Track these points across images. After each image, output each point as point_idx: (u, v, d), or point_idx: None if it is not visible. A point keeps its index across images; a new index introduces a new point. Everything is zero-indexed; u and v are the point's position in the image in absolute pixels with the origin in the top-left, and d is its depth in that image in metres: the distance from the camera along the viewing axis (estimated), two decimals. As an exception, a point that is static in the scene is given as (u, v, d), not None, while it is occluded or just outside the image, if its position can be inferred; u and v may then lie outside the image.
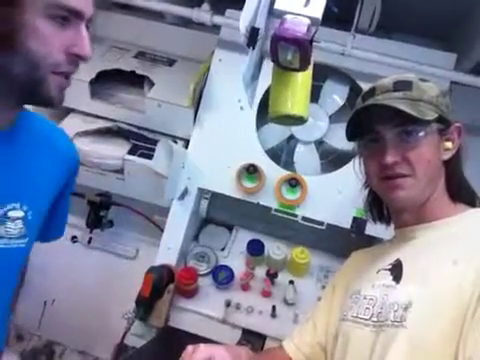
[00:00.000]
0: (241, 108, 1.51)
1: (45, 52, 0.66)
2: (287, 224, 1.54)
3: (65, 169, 0.91)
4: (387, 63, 1.40)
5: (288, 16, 0.72)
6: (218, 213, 1.61)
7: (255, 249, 1.53)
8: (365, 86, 1.47)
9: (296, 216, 1.48)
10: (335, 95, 1.54)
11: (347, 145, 1.51)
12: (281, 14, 0.73)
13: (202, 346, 0.69)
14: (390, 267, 0.77)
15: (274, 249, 1.52)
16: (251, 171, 1.44)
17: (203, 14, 1.44)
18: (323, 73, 1.53)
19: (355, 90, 1.51)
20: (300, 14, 0.72)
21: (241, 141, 1.49)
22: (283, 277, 1.51)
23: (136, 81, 1.63)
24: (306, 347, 0.92)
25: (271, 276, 1.48)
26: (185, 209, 1.51)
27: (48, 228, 0.93)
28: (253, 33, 0.74)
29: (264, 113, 1.53)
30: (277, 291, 1.49)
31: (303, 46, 0.72)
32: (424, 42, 1.52)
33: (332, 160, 1.54)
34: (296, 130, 1.51)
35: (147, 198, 1.56)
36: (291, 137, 1.54)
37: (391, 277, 0.75)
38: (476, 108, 1.55)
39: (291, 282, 1.48)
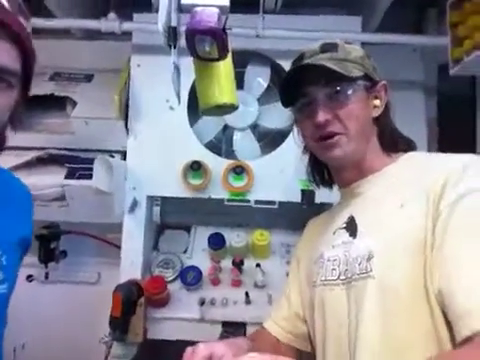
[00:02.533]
0: (171, 108, 1.51)
1: None
2: (242, 211, 1.57)
3: (28, 210, 0.92)
4: (299, 37, 1.45)
5: (197, 9, 0.73)
6: (172, 217, 1.61)
7: (216, 243, 1.54)
8: (284, 63, 1.54)
9: (248, 201, 1.50)
10: (259, 78, 1.58)
11: (280, 123, 1.56)
12: (190, 8, 0.74)
13: (201, 345, 0.68)
14: (345, 225, 0.80)
15: (234, 238, 1.54)
16: (195, 168, 1.44)
17: (111, 23, 1.41)
18: (243, 59, 1.55)
19: (276, 69, 1.55)
20: (208, 5, 0.73)
21: (178, 140, 1.49)
22: (249, 263, 1.54)
23: (57, 104, 1.57)
24: (284, 321, 0.95)
25: (237, 264, 1.50)
26: (138, 220, 1.49)
27: None
28: (171, 32, 0.74)
29: (194, 109, 1.55)
30: (246, 278, 1.52)
31: (218, 35, 0.73)
32: (329, 11, 1.59)
33: (269, 141, 1.57)
34: (230, 119, 1.53)
35: (96, 219, 1.51)
36: (226, 127, 1.56)
37: (347, 234, 0.79)
38: (389, 64, 1.65)
39: (258, 265, 1.51)
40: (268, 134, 1.58)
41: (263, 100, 1.56)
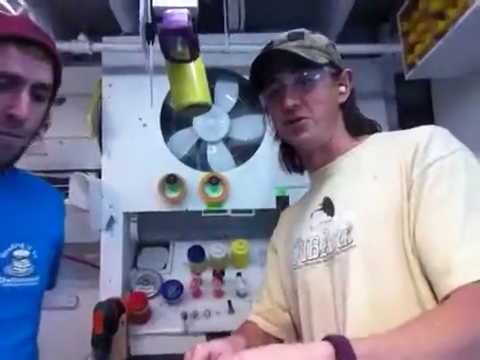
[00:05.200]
0: (144, 125, 1.54)
1: None
2: (219, 223, 1.59)
3: (58, 212, 1.02)
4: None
5: (168, 11, 0.78)
6: (150, 233, 1.62)
7: (196, 255, 1.55)
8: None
9: (225, 211, 1.53)
10: (227, 94, 1.64)
11: (251, 135, 1.62)
12: (162, 11, 0.79)
13: (199, 346, 0.68)
14: (321, 206, 0.83)
15: (214, 249, 1.55)
16: (171, 181, 1.46)
17: (81, 45, 1.45)
18: (211, 77, 1.61)
19: (243, 84, 1.62)
20: (178, 6, 0.78)
21: (153, 156, 1.52)
22: (229, 273, 1.55)
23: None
24: (267, 313, 0.96)
25: (218, 274, 1.50)
26: (116, 238, 1.48)
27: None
28: (148, 28, 0.78)
29: (167, 126, 1.59)
30: (228, 287, 1.53)
31: (188, 34, 0.78)
32: (289, 29, 1.68)
33: (242, 152, 1.62)
34: (202, 133, 1.57)
35: (72, 238, 1.49)
36: (200, 141, 1.60)
37: (325, 214, 0.81)
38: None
39: (239, 274, 1.53)
40: (240, 146, 1.62)
41: (233, 114, 1.61)
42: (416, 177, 0.70)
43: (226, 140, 1.61)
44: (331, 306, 0.75)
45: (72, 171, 1.52)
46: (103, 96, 1.56)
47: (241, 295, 1.51)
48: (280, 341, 0.95)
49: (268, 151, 1.56)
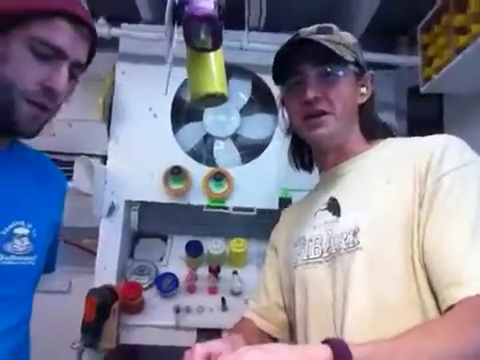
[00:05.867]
0: (154, 115, 1.53)
1: (16, 78, 0.71)
2: (220, 219, 1.58)
3: (61, 195, 0.99)
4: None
5: (195, -2, 0.77)
6: (150, 224, 1.60)
7: (194, 250, 1.53)
8: (265, 78, 1.61)
9: (227, 208, 1.52)
10: (240, 91, 1.63)
11: (260, 134, 1.61)
12: (187, -2, 0.78)
13: (198, 345, 0.67)
14: (326, 206, 0.82)
15: (212, 245, 1.54)
16: (176, 173, 1.45)
17: (100, 28, 1.44)
18: (226, 73, 1.60)
19: (257, 83, 1.61)
20: (205, -6, 0.77)
21: (160, 147, 1.51)
22: (226, 271, 1.54)
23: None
24: (264, 311, 0.95)
25: (214, 271, 1.49)
26: (115, 225, 1.47)
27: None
28: (175, 11, 0.77)
29: (177, 118, 1.58)
30: (223, 285, 1.52)
31: (213, 22, 0.77)
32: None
33: (249, 151, 1.61)
34: (211, 128, 1.56)
35: (71, 222, 1.48)
36: (207, 136, 1.59)
37: (330, 213, 0.80)
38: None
39: (235, 272, 1.52)
40: (248, 144, 1.61)
41: (245, 111, 1.60)
42: (430, 186, 0.69)
43: (234, 137, 1.60)
44: (329, 307, 0.74)
45: (78, 154, 1.50)
46: (116, 82, 1.55)
47: (236, 293, 1.50)
48: (275, 340, 0.94)
49: (276, 151, 1.55)
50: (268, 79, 1.60)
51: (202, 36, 0.80)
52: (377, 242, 0.71)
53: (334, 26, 0.85)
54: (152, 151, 1.50)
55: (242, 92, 1.63)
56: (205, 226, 1.62)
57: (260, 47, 1.50)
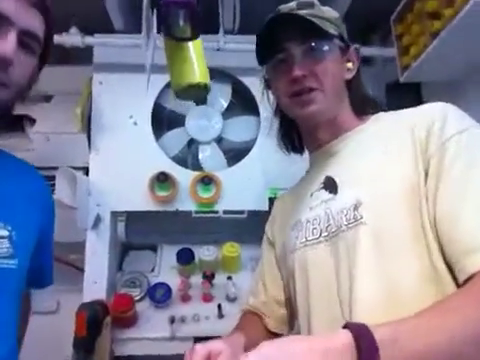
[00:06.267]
0: (134, 123, 1.51)
1: None
2: (210, 225, 1.55)
3: (45, 200, 0.96)
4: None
5: (171, -16, 0.76)
6: (138, 235, 1.56)
7: (186, 258, 1.49)
8: (246, 80, 1.60)
9: (217, 212, 1.49)
10: (221, 95, 1.62)
11: (244, 137, 1.60)
12: (164, -15, 0.77)
13: (198, 346, 0.67)
14: (322, 186, 0.79)
15: (204, 251, 1.50)
16: (162, 179, 1.42)
17: (73, 38, 1.42)
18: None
19: (237, 86, 1.61)
20: (181, -20, 0.76)
21: (144, 155, 1.47)
22: (220, 277, 1.50)
23: (14, 123, 1.53)
24: (262, 306, 0.92)
25: (208, 277, 1.45)
26: (102, 237, 1.42)
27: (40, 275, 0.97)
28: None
29: (159, 125, 1.55)
30: (217, 291, 1.48)
31: (191, 8, 0.76)
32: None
33: (234, 154, 1.59)
34: (194, 133, 1.54)
35: (56, 237, 1.42)
36: (191, 141, 1.57)
37: (327, 192, 0.76)
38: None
39: (229, 278, 1.48)
40: (233, 147, 1.60)
41: (227, 115, 1.59)
42: (434, 152, 0.66)
43: (219, 141, 1.59)
44: (333, 289, 0.70)
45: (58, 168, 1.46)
46: (93, 93, 1.53)
47: (231, 299, 1.46)
48: (277, 336, 0.91)
49: (262, 152, 1.54)
50: (248, 81, 1.60)
51: (181, 23, 0.78)
52: (381, 214, 0.67)
53: (315, 1, 0.83)
54: (135, 159, 1.47)
55: (223, 95, 1.62)
56: (195, 233, 1.58)
57: (237, 47, 1.49)
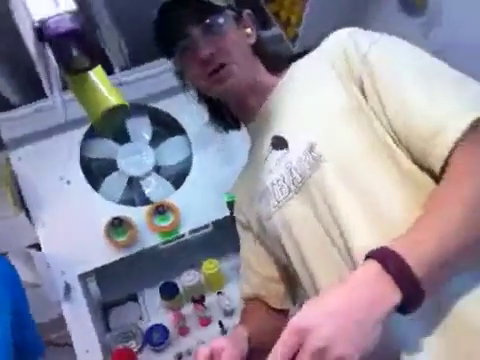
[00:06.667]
0: (68, 182, 1.47)
1: None
2: (180, 251, 1.52)
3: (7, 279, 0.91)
4: (157, 75, 1.55)
5: (51, 20, 0.76)
6: (113, 289, 1.50)
7: (170, 291, 1.46)
8: (159, 105, 1.61)
9: (183, 235, 1.47)
10: (141, 128, 1.62)
11: (179, 157, 1.60)
12: (43, 23, 0.77)
13: (200, 348, 0.66)
14: (271, 147, 0.78)
15: (185, 278, 1.47)
16: (117, 224, 1.39)
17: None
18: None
19: (154, 113, 1.62)
20: (58, 14, 0.76)
21: (89, 208, 1.44)
22: (210, 297, 1.49)
23: None
24: (257, 288, 0.89)
25: (199, 301, 1.42)
26: (78, 304, 1.36)
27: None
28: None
29: (93, 179, 1.52)
30: (213, 311, 1.46)
31: (79, 36, 0.76)
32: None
33: (177, 175, 1.59)
34: (131, 170, 1.53)
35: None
36: (131, 179, 1.54)
37: (279, 150, 0.76)
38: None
39: (219, 293, 1.46)
40: (173, 170, 1.60)
41: (155, 143, 1.60)
42: (360, 69, 0.68)
43: (157, 169, 1.58)
44: (323, 236, 0.68)
45: (5, 254, 1.38)
46: (16, 171, 1.47)
47: (229, 313, 1.44)
48: (284, 312, 0.90)
49: (202, 164, 1.56)
50: (162, 105, 1.61)
51: (75, 54, 0.78)
52: (336, 146, 0.67)
53: None
54: (83, 216, 1.42)
55: (143, 127, 1.62)
56: (169, 265, 1.55)
57: (138, 76, 1.52)
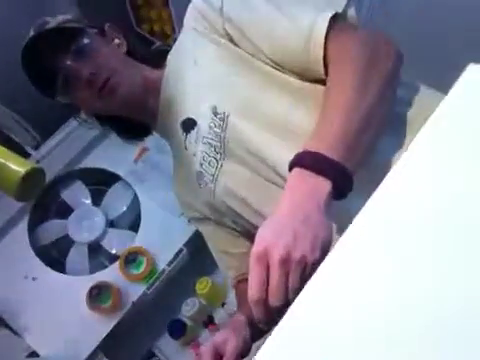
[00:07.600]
0: (33, 279, 1.42)
1: None
2: (167, 286, 1.48)
3: None
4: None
5: None
6: (125, 357, 1.44)
7: (178, 330, 1.42)
8: (87, 163, 1.60)
9: (163, 271, 1.44)
10: (77, 194, 1.59)
11: (125, 201, 1.57)
12: None
13: (202, 347, 0.66)
14: (184, 132, 0.79)
15: (185, 309, 1.44)
16: (96, 293, 1.36)
17: None
18: (55, 189, 1.58)
19: (83, 173, 1.60)
20: None
21: (64, 293, 1.41)
22: (218, 312, 1.47)
23: None
24: (241, 266, 0.87)
25: (209, 323, 1.39)
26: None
27: None
28: None
29: (57, 262, 1.47)
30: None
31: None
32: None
33: (132, 220, 1.57)
34: (88, 236, 1.49)
35: None
36: (90, 246, 1.50)
37: (191, 132, 0.77)
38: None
39: (223, 304, 1.44)
40: (125, 218, 1.58)
41: (96, 201, 1.58)
42: (221, 21, 0.72)
43: (110, 224, 1.55)
44: (258, 180, 0.71)
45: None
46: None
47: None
48: None
49: (150, 196, 1.54)
50: (87, 161, 1.60)
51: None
52: (233, 96, 0.70)
53: (43, 17, 0.84)
54: (63, 304, 1.38)
55: (80, 191, 1.59)
56: (164, 305, 1.51)
57: (53, 144, 1.51)
